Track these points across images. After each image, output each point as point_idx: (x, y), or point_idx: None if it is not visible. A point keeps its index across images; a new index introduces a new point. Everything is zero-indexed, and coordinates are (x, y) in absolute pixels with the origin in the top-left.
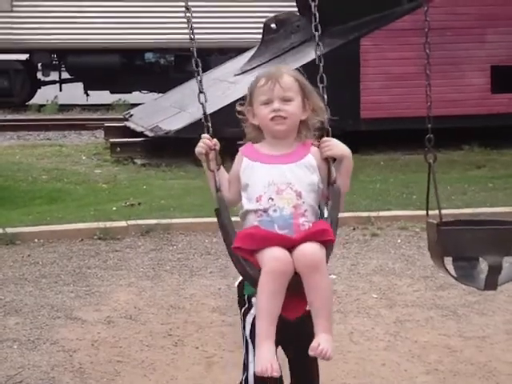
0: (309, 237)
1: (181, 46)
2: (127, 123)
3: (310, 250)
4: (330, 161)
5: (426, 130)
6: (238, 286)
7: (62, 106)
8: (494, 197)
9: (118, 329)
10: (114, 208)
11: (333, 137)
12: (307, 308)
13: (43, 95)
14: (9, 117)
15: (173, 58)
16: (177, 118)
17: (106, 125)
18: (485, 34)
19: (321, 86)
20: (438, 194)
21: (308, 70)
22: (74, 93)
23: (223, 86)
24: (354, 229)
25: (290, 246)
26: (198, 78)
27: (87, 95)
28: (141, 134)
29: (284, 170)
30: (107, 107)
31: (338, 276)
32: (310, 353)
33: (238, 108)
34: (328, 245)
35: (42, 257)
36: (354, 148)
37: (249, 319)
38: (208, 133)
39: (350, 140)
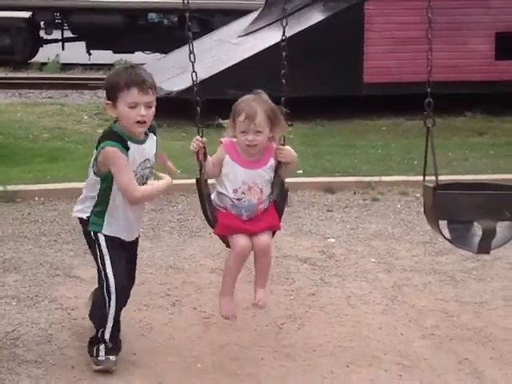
0: (264, 229)
1: (185, 7)
2: None
3: (266, 240)
4: (280, 163)
5: (427, 95)
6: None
7: (64, 64)
8: (495, 164)
9: None
10: None
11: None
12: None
13: (45, 53)
14: (10, 75)
15: (176, 19)
16: (179, 78)
17: None
18: (490, 0)
19: (282, 71)
20: (437, 158)
21: (310, 33)
22: (76, 52)
23: (226, 47)
24: (355, 193)
25: (252, 234)
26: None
27: (89, 54)
28: None
29: (253, 174)
30: (109, 67)
31: (337, 240)
32: (253, 306)
33: (221, 121)
34: (276, 231)
35: (42, 215)
36: (357, 112)
37: (102, 239)
38: (197, 116)
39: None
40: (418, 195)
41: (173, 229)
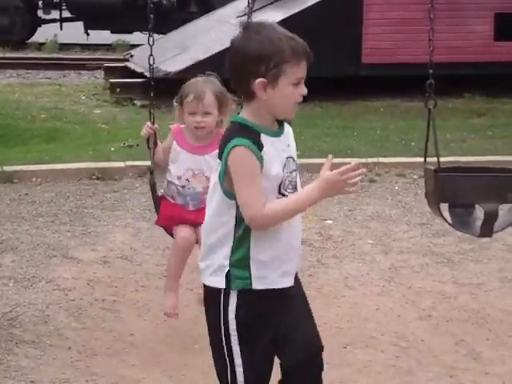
0: None
1: None
2: (127, 64)
3: None
4: None
5: (428, 76)
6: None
7: (62, 44)
8: (494, 145)
9: (113, 269)
10: (113, 148)
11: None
12: None
13: (43, 33)
14: (8, 54)
15: (175, 0)
16: (177, 59)
17: (106, 65)
18: None
19: None
20: (437, 140)
21: (309, 13)
22: (74, 32)
23: (225, 27)
24: None
25: (196, 224)
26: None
27: (87, 35)
28: (141, 75)
29: (200, 159)
30: (107, 47)
31: (335, 221)
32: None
33: (175, 104)
34: None
35: (39, 196)
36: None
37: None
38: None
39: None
40: (415, 177)
41: None
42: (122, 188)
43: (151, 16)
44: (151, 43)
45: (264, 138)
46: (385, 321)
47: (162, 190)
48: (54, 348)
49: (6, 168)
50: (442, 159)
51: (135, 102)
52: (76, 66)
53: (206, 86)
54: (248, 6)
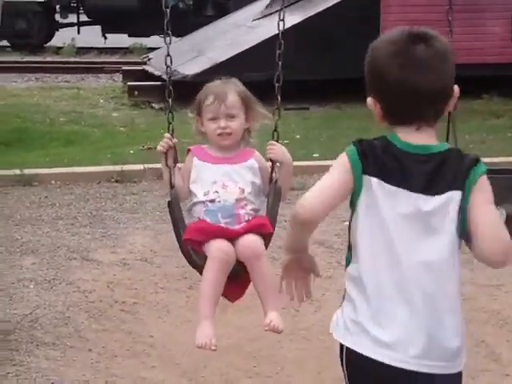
0: (249, 230)
1: None
2: (145, 67)
3: (251, 242)
4: (273, 162)
5: None
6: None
7: (79, 48)
8: None
9: (133, 271)
10: (131, 151)
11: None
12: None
13: (61, 37)
14: (26, 59)
15: (191, 2)
16: (195, 62)
17: (124, 68)
18: None
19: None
20: (457, 142)
21: (326, 16)
22: (91, 36)
23: (241, 30)
24: None
25: (234, 237)
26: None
27: (105, 38)
28: (159, 78)
29: (229, 169)
30: (125, 51)
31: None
32: (265, 328)
33: (190, 115)
34: (266, 236)
35: (58, 198)
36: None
37: None
38: (170, 128)
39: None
40: None
41: None
42: (142, 190)
43: (167, 16)
44: (168, 45)
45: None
46: None
47: (186, 221)
48: (74, 349)
49: (26, 171)
50: None
51: (153, 104)
52: (94, 70)
53: (227, 87)
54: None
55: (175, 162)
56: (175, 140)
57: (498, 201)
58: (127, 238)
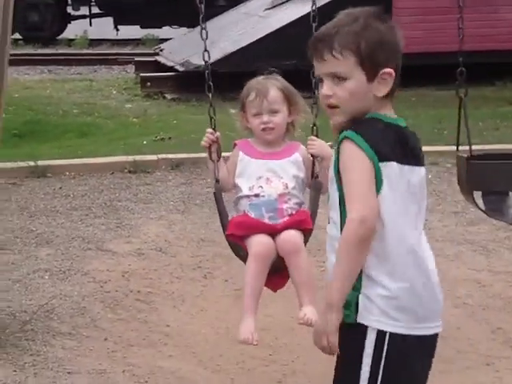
0: (290, 225)
1: None
2: (158, 58)
3: (291, 237)
4: (313, 157)
5: (459, 65)
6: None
7: (92, 40)
8: None
9: (148, 261)
10: (145, 142)
11: None
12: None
13: (73, 30)
14: (39, 51)
15: None
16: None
17: (137, 59)
18: None
19: None
20: (469, 128)
21: (339, 5)
22: (103, 28)
23: (253, 20)
24: None
25: (274, 233)
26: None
27: (117, 30)
28: (171, 69)
29: (273, 165)
30: (137, 42)
31: None
32: (299, 321)
33: (232, 111)
34: (307, 232)
35: (73, 189)
36: None
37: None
38: (209, 91)
39: None
40: (448, 165)
41: (203, 202)
42: (156, 181)
43: (202, 12)
44: (204, 40)
45: None
46: None
47: (230, 216)
48: (91, 339)
49: (40, 163)
50: (474, 147)
51: (166, 95)
52: (106, 61)
53: (269, 82)
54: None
55: (219, 155)
56: (218, 133)
57: (511, 187)
58: (141, 228)
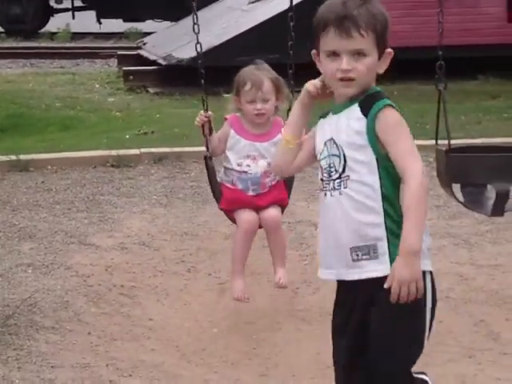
0: (272, 202)
1: None
2: (140, 51)
3: (273, 214)
4: None
5: (439, 59)
6: None
7: (74, 34)
8: (509, 127)
9: (131, 255)
10: (127, 136)
11: None
12: None
13: (55, 23)
14: (21, 44)
15: None
16: (190, 46)
17: (119, 53)
18: None
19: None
20: (449, 122)
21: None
22: (86, 21)
23: (236, 14)
24: None
25: (259, 208)
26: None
27: (100, 23)
28: (154, 63)
29: (259, 147)
30: (120, 36)
31: None
32: (276, 286)
33: (225, 95)
34: (284, 207)
35: (55, 183)
36: None
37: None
38: (202, 78)
39: None
40: (430, 159)
41: (186, 196)
42: (138, 175)
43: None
44: (197, 34)
45: (330, 112)
46: None
47: (219, 178)
48: (74, 333)
49: (22, 157)
50: (456, 141)
51: (149, 89)
52: (89, 55)
53: (262, 74)
54: None
55: (211, 131)
56: (210, 113)
57: (490, 180)
58: (124, 222)
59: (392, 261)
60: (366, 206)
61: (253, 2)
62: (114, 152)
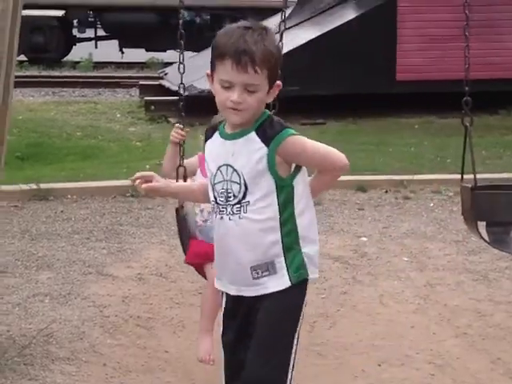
0: None
1: (216, 5)
2: (162, 82)
3: None
4: None
5: (463, 94)
6: None
7: (96, 63)
8: None
9: (148, 286)
10: (148, 166)
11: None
12: None
13: (78, 52)
14: (44, 73)
15: (208, 17)
16: None
17: (141, 83)
18: None
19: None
20: (474, 157)
21: (343, 30)
22: (108, 50)
23: None
24: (387, 191)
25: None
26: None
27: (122, 53)
28: (175, 93)
29: None
30: (142, 65)
31: (369, 239)
32: None
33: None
34: None
35: (74, 213)
36: (389, 110)
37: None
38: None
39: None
40: (450, 194)
41: None
42: (157, 205)
43: (183, 33)
44: (181, 54)
45: (216, 134)
46: (420, 339)
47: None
48: (90, 364)
49: (42, 185)
50: (478, 176)
51: (170, 119)
52: (111, 84)
53: None
54: (280, 23)
55: (182, 157)
56: (187, 130)
57: (503, 216)
58: (142, 252)
59: (289, 274)
60: (265, 228)
61: (275, 33)
62: None
